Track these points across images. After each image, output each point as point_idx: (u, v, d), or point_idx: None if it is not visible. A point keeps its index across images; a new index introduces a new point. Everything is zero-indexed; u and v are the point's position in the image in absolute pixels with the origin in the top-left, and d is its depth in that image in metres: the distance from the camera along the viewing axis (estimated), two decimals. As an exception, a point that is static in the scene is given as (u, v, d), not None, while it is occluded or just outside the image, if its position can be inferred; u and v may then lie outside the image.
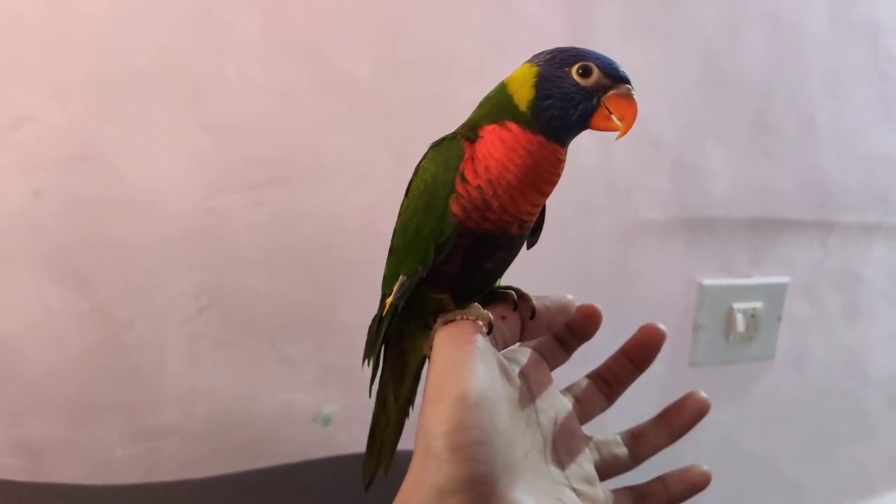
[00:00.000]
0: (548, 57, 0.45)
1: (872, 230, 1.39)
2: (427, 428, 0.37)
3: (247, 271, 0.95)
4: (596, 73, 0.44)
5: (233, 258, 0.94)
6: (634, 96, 0.44)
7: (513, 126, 0.44)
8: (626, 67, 0.45)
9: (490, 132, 0.45)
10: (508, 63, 0.49)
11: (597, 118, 0.44)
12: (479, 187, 0.44)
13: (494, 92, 0.47)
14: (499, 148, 0.44)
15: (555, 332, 0.51)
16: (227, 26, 0.90)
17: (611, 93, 0.44)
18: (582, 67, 0.44)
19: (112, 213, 0.89)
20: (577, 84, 0.44)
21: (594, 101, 0.44)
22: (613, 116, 0.44)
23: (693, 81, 1.17)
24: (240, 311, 0.96)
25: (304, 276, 0.98)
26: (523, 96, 0.45)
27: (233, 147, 0.92)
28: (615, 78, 0.44)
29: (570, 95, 0.44)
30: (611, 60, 0.45)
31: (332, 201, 0.97)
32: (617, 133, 0.44)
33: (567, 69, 0.44)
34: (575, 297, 0.49)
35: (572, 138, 0.45)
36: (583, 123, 0.44)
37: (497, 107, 0.46)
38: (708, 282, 1.24)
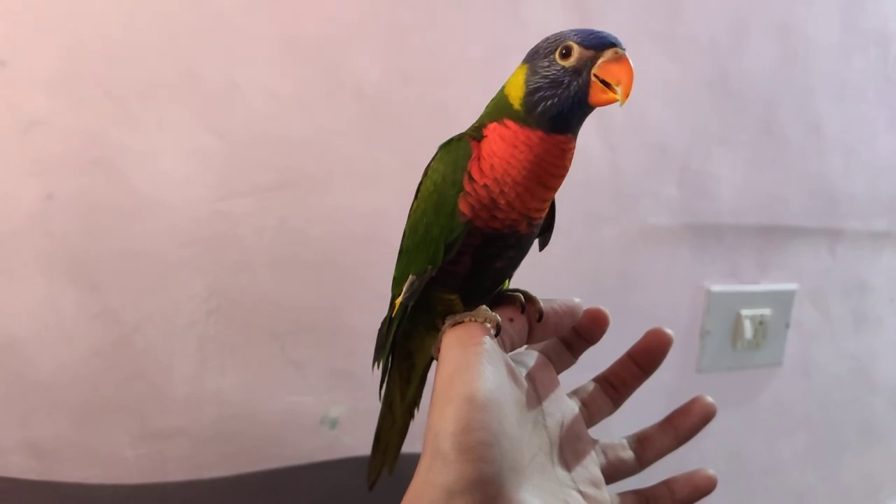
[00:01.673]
0: (533, 51, 0.45)
1: (880, 238, 1.38)
2: (435, 429, 0.37)
3: (255, 275, 0.96)
4: (576, 49, 0.43)
5: (241, 262, 0.95)
6: (626, 55, 0.42)
7: (511, 123, 0.44)
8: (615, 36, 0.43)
9: (492, 131, 0.45)
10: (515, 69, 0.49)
11: (593, 94, 0.42)
12: (485, 186, 0.44)
13: (496, 95, 0.47)
14: (500, 145, 0.44)
15: (562, 336, 0.51)
16: (238, 33, 0.91)
17: (599, 62, 0.42)
18: (563, 48, 0.43)
19: (122, 216, 0.90)
20: (563, 67, 0.43)
21: (584, 77, 0.42)
22: (611, 84, 0.42)
23: (700, 88, 1.17)
24: (247, 314, 0.96)
25: (311, 279, 0.98)
26: (516, 95, 0.45)
27: (242, 152, 0.93)
28: (598, 46, 0.42)
29: (558, 81, 0.43)
30: (590, 31, 0.43)
31: (340, 206, 0.97)
32: (618, 102, 0.42)
33: (551, 56, 0.43)
34: (582, 301, 0.50)
35: (578, 124, 0.44)
36: (581, 104, 0.43)
37: (496, 108, 0.46)
38: (716, 288, 1.24)
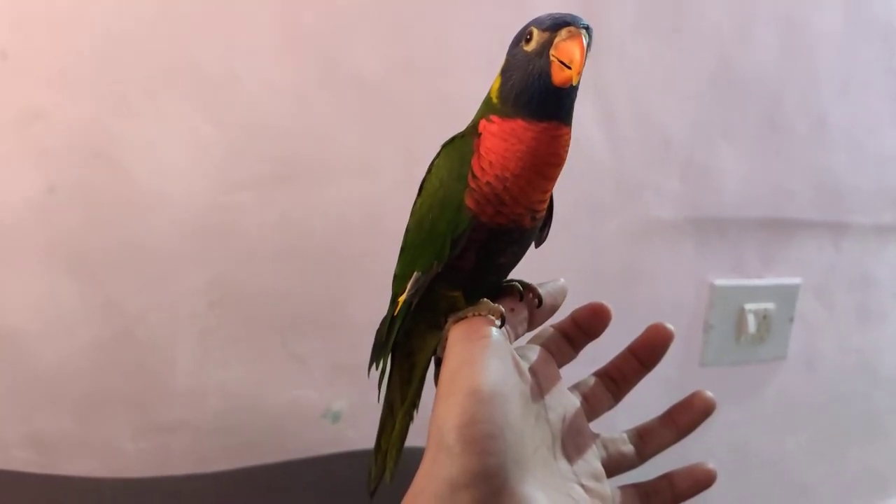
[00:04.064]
0: (509, 46, 0.45)
1: (885, 231, 1.38)
2: (439, 422, 0.37)
3: (257, 268, 0.96)
4: (536, 33, 0.43)
5: (243, 255, 0.95)
6: (580, 32, 0.41)
7: (495, 118, 0.44)
8: (584, 19, 0.42)
9: (483, 128, 0.45)
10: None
11: (554, 74, 0.42)
12: (488, 183, 0.44)
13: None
14: (493, 141, 0.44)
15: (563, 330, 0.51)
16: (239, 24, 0.91)
17: (555, 42, 0.42)
18: (527, 34, 0.43)
19: (124, 209, 0.90)
20: (526, 52, 0.43)
21: (544, 59, 0.42)
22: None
23: (704, 81, 1.16)
24: (250, 307, 0.96)
25: (313, 273, 0.98)
26: (495, 88, 0.45)
27: (243, 144, 0.93)
28: (552, 27, 0.42)
29: (523, 66, 0.43)
30: (550, 14, 0.43)
31: (342, 199, 0.97)
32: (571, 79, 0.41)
33: (520, 44, 0.44)
34: (585, 295, 0.50)
35: (558, 108, 0.43)
36: (546, 86, 0.42)
37: (483, 106, 0.47)
38: (719, 282, 1.24)
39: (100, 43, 0.86)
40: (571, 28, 0.41)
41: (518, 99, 0.43)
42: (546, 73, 0.42)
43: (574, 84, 0.42)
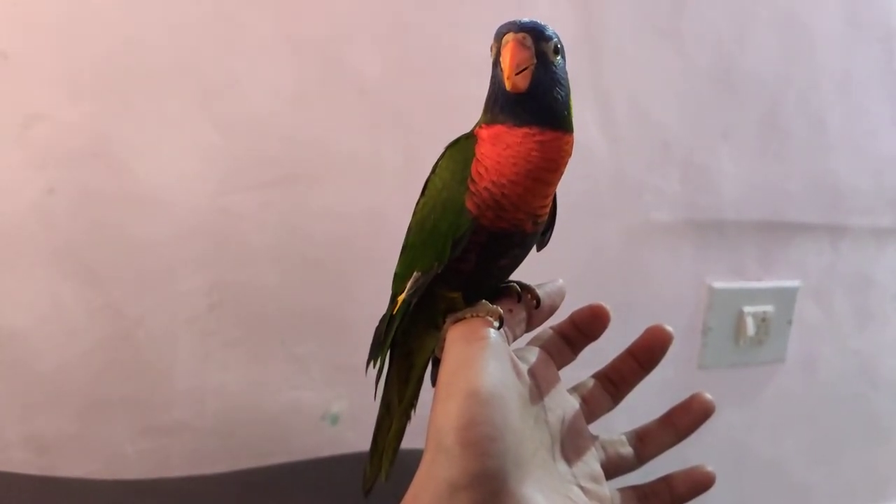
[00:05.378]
0: None
1: (884, 234, 1.38)
2: (438, 423, 0.37)
3: (257, 269, 0.96)
4: (493, 43, 0.44)
5: (243, 256, 0.95)
6: (512, 38, 0.42)
7: (483, 125, 0.45)
8: (557, 31, 0.44)
9: (479, 133, 0.45)
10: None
11: (505, 82, 0.43)
12: (486, 188, 0.44)
13: None
14: (486, 146, 0.44)
15: (562, 332, 0.51)
16: (239, 26, 0.91)
17: (501, 51, 0.43)
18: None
19: (124, 210, 0.90)
20: (493, 61, 0.44)
21: (498, 68, 0.43)
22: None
23: (704, 83, 1.16)
24: (250, 308, 0.96)
25: (313, 274, 0.98)
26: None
27: (243, 146, 0.93)
28: (498, 37, 0.43)
29: (493, 74, 0.45)
30: (507, 21, 0.44)
31: (342, 200, 0.97)
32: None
33: None
34: (583, 297, 0.50)
35: (529, 114, 0.43)
36: (505, 93, 0.43)
37: (482, 113, 0.47)
38: (718, 285, 1.24)
39: (100, 44, 0.86)
40: (507, 35, 0.42)
41: (494, 106, 0.44)
42: (500, 81, 0.43)
43: (510, 90, 0.42)
